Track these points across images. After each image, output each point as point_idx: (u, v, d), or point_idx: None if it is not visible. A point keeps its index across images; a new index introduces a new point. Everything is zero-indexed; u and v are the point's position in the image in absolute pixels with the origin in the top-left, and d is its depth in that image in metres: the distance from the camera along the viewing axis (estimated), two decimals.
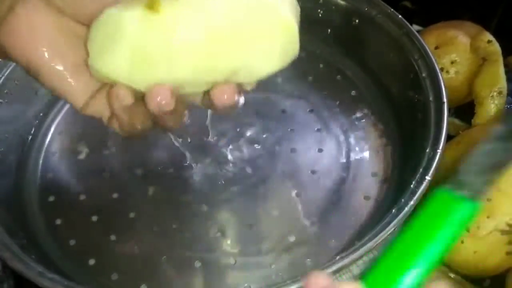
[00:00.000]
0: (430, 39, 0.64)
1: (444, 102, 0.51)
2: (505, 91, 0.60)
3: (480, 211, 0.46)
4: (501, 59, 0.62)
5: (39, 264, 0.44)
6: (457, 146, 0.54)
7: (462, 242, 0.47)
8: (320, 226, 0.51)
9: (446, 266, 0.49)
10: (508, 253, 0.47)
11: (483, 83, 0.61)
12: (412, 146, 0.53)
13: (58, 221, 0.54)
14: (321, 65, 0.66)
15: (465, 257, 0.47)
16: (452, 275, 0.48)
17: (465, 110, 0.64)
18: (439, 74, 0.53)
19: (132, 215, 0.53)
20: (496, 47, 0.62)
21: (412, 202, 0.44)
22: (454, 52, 0.64)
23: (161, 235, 0.52)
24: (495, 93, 0.60)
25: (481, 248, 0.47)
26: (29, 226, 0.53)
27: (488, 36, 0.63)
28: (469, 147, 0.52)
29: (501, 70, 0.61)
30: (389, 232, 0.43)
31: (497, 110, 0.60)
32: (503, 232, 0.47)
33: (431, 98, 0.53)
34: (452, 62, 0.64)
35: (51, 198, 0.55)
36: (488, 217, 0.47)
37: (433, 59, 0.55)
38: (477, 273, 0.48)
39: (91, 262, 0.51)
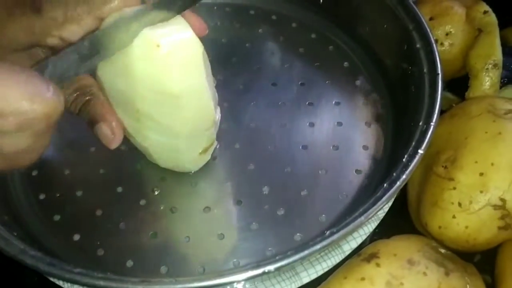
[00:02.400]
0: (424, 10, 0.62)
1: (438, 74, 0.50)
2: (500, 64, 0.59)
3: (473, 185, 0.47)
4: (497, 30, 0.60)
5: (22, 241, 0.43)
6: (451, 120, 0.52)
7: (454, 217, 0.46)
8: (310, 200, 0.51)
9: (436, 241, 0.49)
10: (500, 228, 0.46)
11: (478, 55, 0.60)
12: (405, 119, 0.52)
13: (42, 196, 0.53)
14: (312, 35, 0.65)
15: (456, 232, 0.46)
16: (442, 251, 0.48)
17: (459, 83, 0.63)
18: (434, 45, 0.52)
19: (119, 189, 0.53)
20: (492, 17, 0.61)
21: (404, 176, 0.44)
22: (449, 23, 0.63)
23: (148, 210, 0.51)
24: (490, 66, 0.59)
25: (473, 223, 0.46)
26: (11, 202, 0.52)
27: (485, 6, 0.62)
28: (463, 121, 0.51)
29: (497, 41, 0.60)
30: (380, 207, 0.42)
31: (491, 84, 0.59)
32: (495, 207, 0.46)
33: (425, 70, 0.52)
34: (447, 34, 0.63)
35: (34, 173, 0.54)
36: (481, 191, 0.46)
37: (428, 30, 0.53)
38: (468, 248, 0.47)
39: (76, 237, 0.50)
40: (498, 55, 0.59)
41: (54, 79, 0.34)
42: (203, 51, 0.42)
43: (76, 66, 0.37)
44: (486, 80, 0.59)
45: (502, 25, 0.62)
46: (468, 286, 0.45)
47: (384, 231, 0.52)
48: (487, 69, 0.59)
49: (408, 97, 0.53)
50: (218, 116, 0.48)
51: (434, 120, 0.47)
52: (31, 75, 0.31)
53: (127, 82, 0.41)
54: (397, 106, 0.57)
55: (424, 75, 0.51)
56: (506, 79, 0.62)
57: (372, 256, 0.45)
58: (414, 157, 0.45)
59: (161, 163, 0.51)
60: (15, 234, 0.44)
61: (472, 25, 0.62)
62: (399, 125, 0.54)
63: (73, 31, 0.40)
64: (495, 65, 0.59)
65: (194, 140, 0.48)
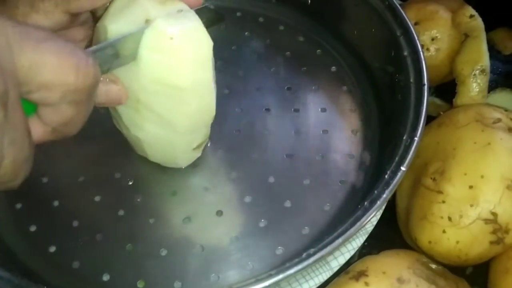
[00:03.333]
0: (410, 14, 0.60)
1: (424, 85, 0.49)
2: (487, 69, 0.58)
3: (463, 198, 0.46)
4: (484, 35, 0.60)
5: None
6: (438, 129, 0.52)
7: (444, 231, 0.46)
8: (293, 212, 0.50)
9: (428, 257, 0.48)
10: (492, 243, 0.46)
11: (465, 61, 0.59)
12: (391, 129, 0.51)
13: (18, 206, 0.51)
14: (300, 38, 0.64)
15: (447, 248, 0.46)
16: (433, 266, 0.47)
17: (446, 89, 0.62)
18: (421, 54, 0.51)
19: (97, 198, 0.51)
20: (478, 22, 0.60)
21: (384, 195, 0.43)
22: (434, 28, 0.62)
23: (126, 221, 0.50)
24: (477, 71, 0.58)
25: (464, 238, 0.45)
26: None
27: (470, 10, 0.61)
28: (450, 130, 0.50)
29: (484, 46, 0.59)
30: (360, 227, 0.41)
31: (479, 90, 0.58)
32: (486, 221, 0.45)
33: (411, 79, 0.51)
34: (432, 39, 0.62)
35: None
36: (471, 205, 0.45)
37: (416, 36, 0.52)
38: (460, 263, 0.47)
39: (52, 249, 0.48)
40: (485, 60, 0.58)
41: None
42: (212, 46, 0.42)
43: (110, 61, 0.39)
44: (474, 87, 0.58)
45: (489, 27, 0.62)
46: None
47: (373, 244, 0.52)
48: (474, 75, 0.58)
49: (395, 105, 0.52)
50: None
51: (418, 135, 0.46)
52: (74, 47, 0.33)
53: (131, 71, 0.40)
54: (384, 113, 0.56)
55: (410, 84, 0.50)
56: (494, 83, 0.61)
57: (361, 274, 0.44)
58: (397, 173, 0.44)
59: (151, 156, 0.50)
60: None
61: (458, 30, 0.62)
62: (385, 134, 0.53)
63: (39, 22, 0.39)
64: (482, 71, 0.58)
65: (191, 135, 0.47)
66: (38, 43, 0.30)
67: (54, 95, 0.32)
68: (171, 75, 0.40)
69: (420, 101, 0.48)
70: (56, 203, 0.51)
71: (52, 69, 0.31)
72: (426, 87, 0.49)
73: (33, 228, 0.50)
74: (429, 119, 0.51)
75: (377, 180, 0.45)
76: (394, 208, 0.54)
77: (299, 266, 0.39)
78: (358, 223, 0.41)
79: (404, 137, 0.47)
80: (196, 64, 0.41)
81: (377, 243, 0.51)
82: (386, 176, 0.44)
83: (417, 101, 0.49)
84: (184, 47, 0.40)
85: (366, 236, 0.48)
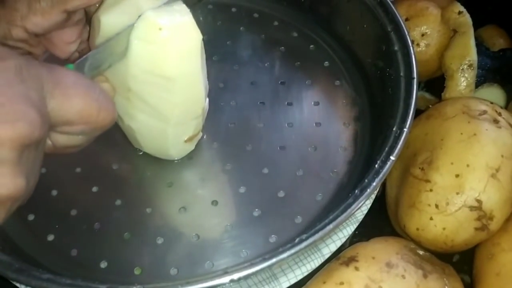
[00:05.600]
0: (400, 11, 0.62)
1: (414, 78, 0.50)
2: (475, 64, 0.59)
3: (449, 187, 0.47)
4: (471, 30, 0.61)
5: None
6: (427, 121, 0.53)
7: (431, 219, 0.47)
8: (286, 202, 0.51)
9: (415, 243, 0.49)
10: (476, 229, 0.47)
11: (453, 55, 0.60)
12: (381, 122, 0.52)
13: None
14: (294, 34, 0.65)
15: (433, 234, 0.47)
16: (421, 252, 0.48)
17: (435, 83, 0.63)
18: (411, 48, 0.52)
19: (94, 189, 0.52)
20: (466, 18, 0.61)
21: (374, 183, 0.44)
22: (424, 24, 0.63)
23: (124, 210, 0.50)
24: (465, 66, 0.59)
25: (450, 224, 0.46)
26: None
27: (459, 7, 0.62)
28: (438, 122, 0.52)
29: (472, 42, 0.60)
30: (351, 213, 0.42)
31: (467, 84, 0.59)
32: (472, 208, 0.46)
33: (401, 73, 0.52)
34: (422, 35, 0.63)
35: None
36: (457, 193, 0.46)
37: (406, 32, 0.53)
38: (446, 249, 0.48)
39: (50, 238, 0.49)
40: (473, 55, 0.59)
41: (93, 70, 0.40)
42: (201, 39, 0.43)
43: (110, 59, 0.41)
44: (462, 81, 0.60)
45: (477, 25, 0.63)
46: (446, 287, 0.45)
47: (364, 232, 0.53)
48: (462, 69, 0.59)
49: (385, 98, 0.53)
50: (207, 106, 0.49)
51: (407, 126, 0.47)
52: (100, 92, 0.35)
53: (122, 60, 0.42)
54: (375, 107, 0.57)
55: (400, 78, 0.51)
56: (482, 78, 0.62)
57: (351, 260, 0.45)
58: (386, 163, 0.45)
59: (145, 147, 0.51)
60: None
61: (447, 26, 0.63)
62: (376, 126, 0.55)
63: (37, 23, 0.41)
64: (470, 66, 0.59)
65: (181, 127, 0.48)
66: (67, 89, 0.32)
67: (75, 130, 0.34)
68: (159, 65, 0.41)
69: (410, 94, 0.49)
70: (54, 193, 0.52)
71: (78, 111, 0.33)
72: (415, 80, 0.50)
73: (31, 217, 0.50)
74: (418, 112, 0.52)
75: (366, 170, 0.46)
76: (383, 199, 0.55)
77: (292, 251, 0.40)
78: (349, 210, 0.42)
79: (394, 129, 0.47)
80: (184, 55, 0.42)
81: (367, 232, 0.52)
82: (376, 166, 0.45)
83: (407, 94, 0.50)
84: (172, 38, 0.41)
85: (357, 224, 0.50)
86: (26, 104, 0.29)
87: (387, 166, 0.45)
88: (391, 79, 0.53)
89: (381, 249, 0.46)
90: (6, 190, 0.28)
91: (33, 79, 0.30)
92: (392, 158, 0.45)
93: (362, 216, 0.50)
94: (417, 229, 0.48)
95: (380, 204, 0.55)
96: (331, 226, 0.41)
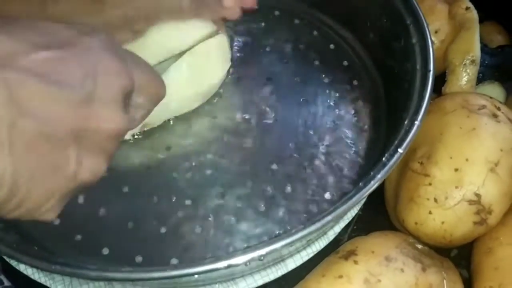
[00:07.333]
0: None
1: (430, 71, 0.49)
2: (478, 60, 0.59)
3: (448, 181, 0.47)
4: (477, 26, 0.61)
5: None
6: (427, 116, 0.52)
7: (430, 213, 0.47)
8: (294, 198, 0.50)
9: (413, 238, 0.49)
10: (475, 223, 0.47)
11: (457, 50, 0.60)
12: (397, 118, 0.51)
13: None
14: (315, 33, 0.64)
15: (432, 228, 0.47)
16: (419, 246, 0.48)
17: (437, 79, 0.63)
18: (429, 41, 0.51)
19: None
20: (473, 14, 0.61)
21: (379, 176, 0.43)
22: (436, 21, 0.63)
23: (130, 198, 0.51)
24: (467, 61, 0.59)
25: (449, 218, 0.47)
26: None
27: (467, 2, 0.62)
28: (438, 117, 0.52)
29: (476, 38, 0.60)
30: (353, 206, 0.42)
31: (468, 79, 0.59)
32: (471, 202, 0.46)
33: (418, 67, 0.51)
34: (436, 32, 0.63)
35: None
36: (456, 187, 0.46)
37: (425, 24, 0.52)
38: (445, 243, 0.48)
39: (56, 222, 0.49)
40: (476, 51, 0.59)
41: None
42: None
43: None
44: (463, 76, 0.60)
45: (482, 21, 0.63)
46: (445, 281, 0.45)
47: (362, 227, 0.53)
48: (464, 64, 0.59)
49: (401, 93, 0.52)
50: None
51: (419, 119, 0.46)
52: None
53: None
54: (391, 103, 0.56)
55: (416, 71, 0.51)
56: (480, 74, 0.62)
57: (350, 253, 0.45)
58: (393, 156, 0.44)
59: None
60: None
61: (454, 21, 0.63)
62: (392, 124, 0.53)
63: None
64: (472, 61, 0.59)
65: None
66: (146, 66, 0.38)
67: (153, 104, 0.38)
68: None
69: (425, 86, 0.49)
70: None
71: (146, 76, 0.37)
72: (431, 73, 0.49)
73: None
74: None
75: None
76: (382, 194, 0.55)
77: (306, 231, 0.40)
78: (349, 202, 0.42)
79: (406, 122, 0.47)
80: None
81: (366, 226, 0.53)
82: (383, 159, 0.44)
83: (422, 87, 0.49)
84: None
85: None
86: (125, 64, 0.34)
87: (394, 159, 0.44)
88: (407, 73, 0.52)
89: (380, 243, 0.46)
90: (116, 125, 0.32)
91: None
92: (400, 151, 0.44)
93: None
94: (416, 223, 0.48)
95: (379, 199, 0.55)
96: (329, 217, 0.41)
